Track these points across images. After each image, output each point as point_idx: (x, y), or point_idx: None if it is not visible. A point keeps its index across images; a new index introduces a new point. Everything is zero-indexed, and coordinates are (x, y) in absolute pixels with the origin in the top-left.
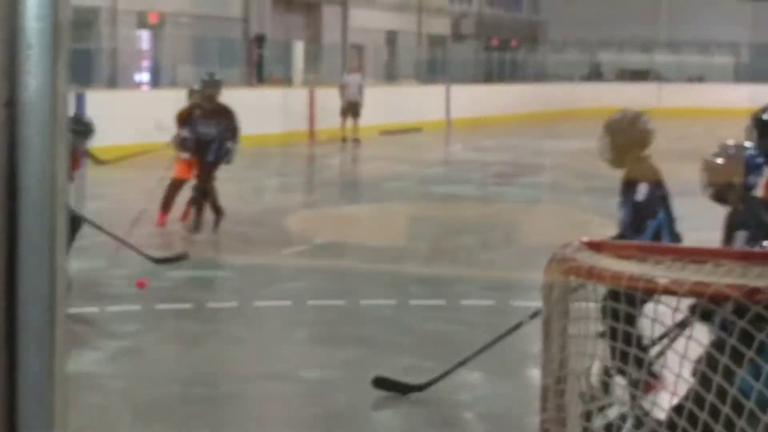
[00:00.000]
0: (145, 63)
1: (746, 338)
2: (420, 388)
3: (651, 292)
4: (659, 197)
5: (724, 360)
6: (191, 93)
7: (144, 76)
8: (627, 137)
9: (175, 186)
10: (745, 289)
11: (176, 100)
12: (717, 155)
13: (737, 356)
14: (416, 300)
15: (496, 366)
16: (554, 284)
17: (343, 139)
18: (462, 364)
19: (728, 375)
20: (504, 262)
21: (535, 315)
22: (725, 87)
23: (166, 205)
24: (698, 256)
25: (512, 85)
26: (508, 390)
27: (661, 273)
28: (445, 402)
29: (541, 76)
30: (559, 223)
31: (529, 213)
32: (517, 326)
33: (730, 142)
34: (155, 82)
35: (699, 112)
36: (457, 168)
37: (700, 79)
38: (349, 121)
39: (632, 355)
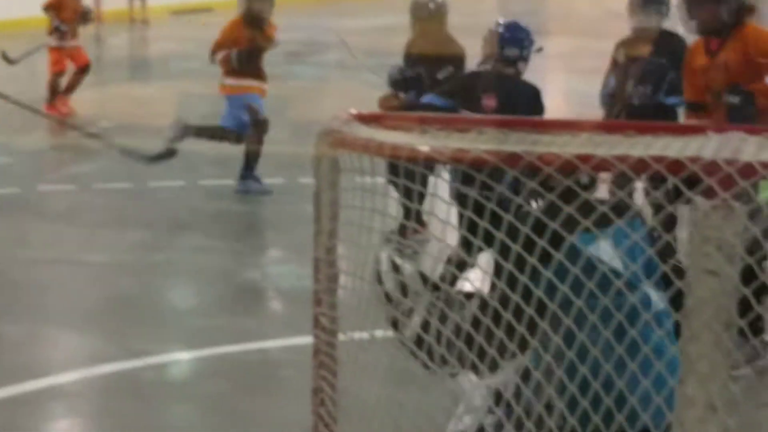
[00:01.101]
0: None
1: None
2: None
3: (413, 160)
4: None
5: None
6: None
7: None
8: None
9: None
10: (504, 155)
11: None
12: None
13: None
14: (206, 180)
15: (289, 244)
16: (323, 156)
17: (131, 20)
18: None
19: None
20: (291, 140)
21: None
22: None
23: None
24: (464, 125)
25: None
26: (302, 267)
27: (425, 141)
28: (238, 281)
29: None
30: (347, 100)
31: (318, 91)
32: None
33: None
34: None
35: None
36: None
37: None
38: (137, 1)
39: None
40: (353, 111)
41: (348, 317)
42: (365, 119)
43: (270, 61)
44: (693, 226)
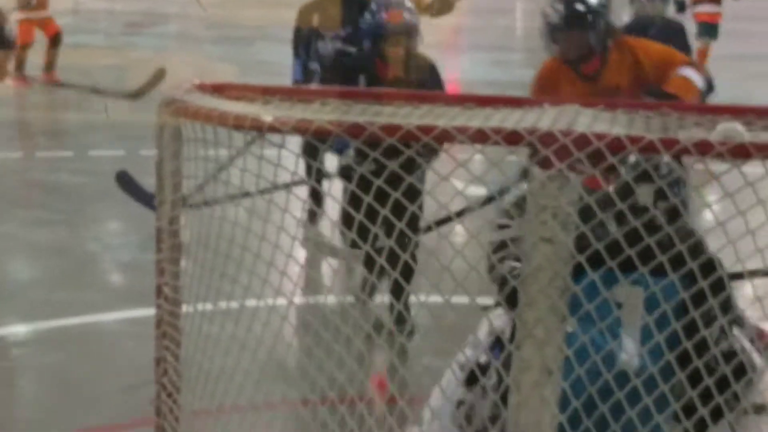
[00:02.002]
0: None
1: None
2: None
3: (258, 129)
4: None
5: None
6: None
7: None
8: None
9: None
10: (348, 125)
11: None
12: None
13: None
14: (43, 152)
15: (129, 216)
16: (165, 126)
17: None
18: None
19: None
20: (132, 111)
21: None
22: None
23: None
24: (308, 95)
25: None
26: (142, 239)
27: (268, 111)
28: (77, 254)
29: None
30: (189, 71)
31: (159, 62)
32: None
33: None
34: None
35: None
36: (85, 17)
37: None
38: None
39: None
40: (196, 81)
41: (191, 287)
42: (208, 89)
43: (109, 31)
44: (530, 196)
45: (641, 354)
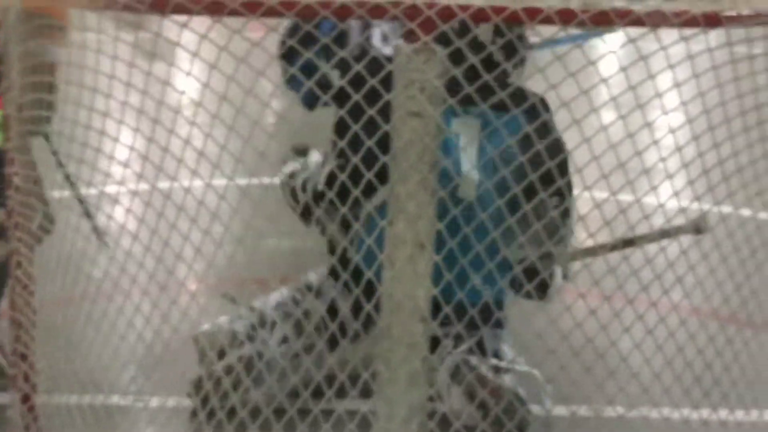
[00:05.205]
0: None
1: None
2: None
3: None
4: None
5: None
6: None
7: None
8: None
9: None
10: None
11: None
12: None
13: None
14: None
15: None
16: (10, 8)
17: None
18: None
19: None
20: None
21: None
22: None
23: None
24: None
25: None
26: None
27: None
28: None
29: None
30: None
31: None
32: None
33: None
34: None
35: None
36: None
37: None
38: None
39: None
40: None
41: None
42: None
43: None
44: (397, 70)
45: (480, 181)
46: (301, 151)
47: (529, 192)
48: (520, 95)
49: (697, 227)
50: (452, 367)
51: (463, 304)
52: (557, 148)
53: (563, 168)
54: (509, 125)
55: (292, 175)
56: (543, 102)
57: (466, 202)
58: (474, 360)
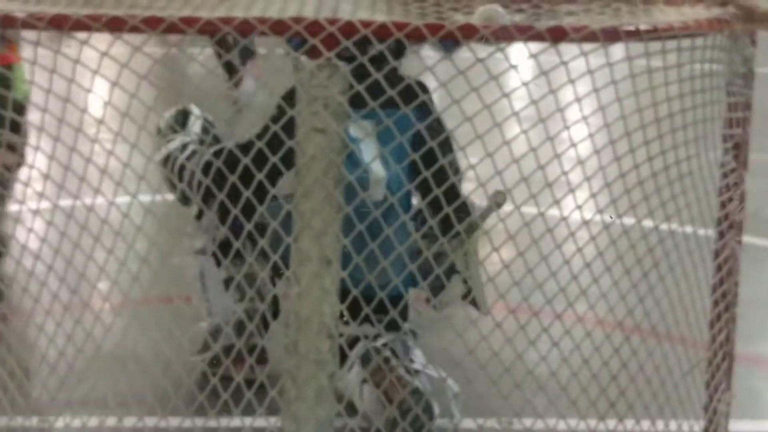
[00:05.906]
0: None
1: None
2: None
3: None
4: None
5: None
6: None
7: None
8: None
9: None
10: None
11: None
12: None
13: None
14: None
15: None
16: None
17: None
18: None
19: None
20: None
21: None
22: None
23: None
24: None
25: None
26: None
27: (21, 8)
28: None
29: None
30: None
31: None
32: None
33: None
34: None
35: None
36: None
37: None
38: None
39: None
40: None
41: None
42: None
43: None
44: (299, 86)
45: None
46: (182, 119)
47: (425, 181)
48: (406, 88)
49: (497, 202)
50: (362, 353)
51: (382, 301)
52: (439, 129)
53: (446, 147)
54: (399, 120)
55: (183, 149)
56: (420, 85)
57: (377, 201)
58: (386, 351)
